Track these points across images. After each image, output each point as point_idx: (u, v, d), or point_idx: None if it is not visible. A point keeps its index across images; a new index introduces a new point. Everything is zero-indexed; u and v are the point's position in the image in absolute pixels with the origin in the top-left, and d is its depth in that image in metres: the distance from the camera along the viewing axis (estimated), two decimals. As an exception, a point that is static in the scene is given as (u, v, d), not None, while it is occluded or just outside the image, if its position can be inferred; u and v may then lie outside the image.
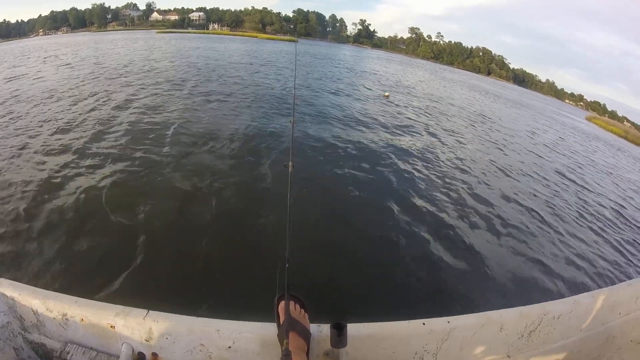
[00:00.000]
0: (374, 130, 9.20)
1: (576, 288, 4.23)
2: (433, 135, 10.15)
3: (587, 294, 1.73)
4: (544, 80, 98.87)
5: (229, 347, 1.20)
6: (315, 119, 9.14)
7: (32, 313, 1.20)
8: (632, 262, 5.39)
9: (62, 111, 7.87)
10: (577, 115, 46.45)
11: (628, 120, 73.44)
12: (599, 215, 7.07)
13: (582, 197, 8.03)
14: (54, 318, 1.20)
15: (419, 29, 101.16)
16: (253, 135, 7.23)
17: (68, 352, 1.19)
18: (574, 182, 9.12)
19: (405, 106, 14.02)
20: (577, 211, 6.94)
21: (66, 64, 16.35)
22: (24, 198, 4.14)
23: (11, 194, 4.19)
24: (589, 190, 8.78)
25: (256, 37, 70.05)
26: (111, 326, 1.19)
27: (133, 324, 1.19)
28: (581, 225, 6.28)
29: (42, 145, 5.76)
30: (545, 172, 9.29)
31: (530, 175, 8.53)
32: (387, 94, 16.34)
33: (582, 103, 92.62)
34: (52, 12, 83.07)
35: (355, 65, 32.88)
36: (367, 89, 17.56)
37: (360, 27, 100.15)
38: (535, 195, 7.10)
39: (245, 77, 15.01)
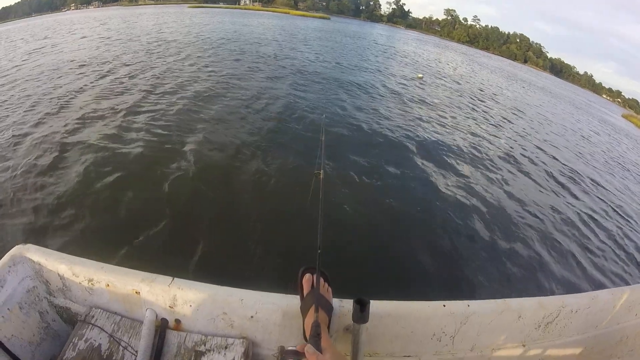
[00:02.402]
0: (405, 112, 8.95)
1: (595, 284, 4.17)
2: (466, 121, 9.81)
3: (606, 290, 1.71)
4: (581, 72, 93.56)
5: (252, 316, 1.21)
6: (346, 102, 8.86)
7: (59, 278, 1.22)
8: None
9: (102, 78, 7.94)
10: (614, 113, 44.03)
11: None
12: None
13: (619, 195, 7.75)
14: (80, 283, 1.22)
15: (454, 10, 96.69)
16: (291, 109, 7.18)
17: (92, 317, 1.22)
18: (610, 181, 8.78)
19: (438, 89, 13.59)
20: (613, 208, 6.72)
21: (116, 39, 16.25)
22: (50, 166, 4.16)
23: (36, 162, 4.21)
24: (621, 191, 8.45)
25: (288, 13, 68.72)
26: (136, 292, 1.21)
27: (158, 291, 1.20)
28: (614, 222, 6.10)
29: (76, 111, 5.82)
30: (585, 169, 8.94)
31: (568, 171, 8.22)
32: (420, 75, 15.80)
33: (619, 99, 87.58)
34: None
35: (388, 45, 31.74)
36: (401, 69, 17.00)
37: (394, 6, 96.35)
38: (574, 195, 6.86)
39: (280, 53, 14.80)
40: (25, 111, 5.79)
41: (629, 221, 6.36)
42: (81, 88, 7.10)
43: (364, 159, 5.48)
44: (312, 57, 15.41)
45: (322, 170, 1.33)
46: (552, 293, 3.72)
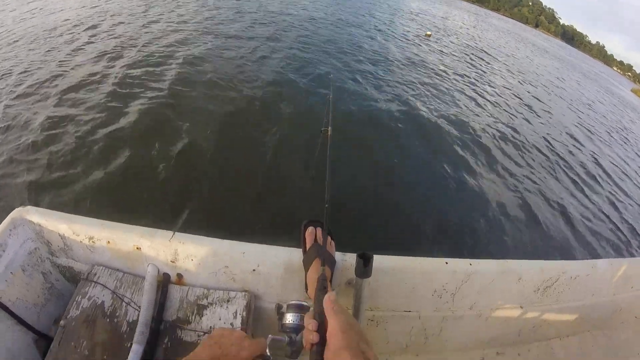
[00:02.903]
0: (413, 72, 8.69)
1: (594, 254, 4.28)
2: (474, 82, 9.59)
3: (605, 260, 1.72)
4: (593, 42, 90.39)
5: (253, 270, 1.21)
6: (354, 60, 8.48)
7: (59, 237, 1.21)
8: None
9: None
10: (622, 85, 43.15)
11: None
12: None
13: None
14: (81, 241, 1.21)
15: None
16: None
17: (95, 274, 1.21)
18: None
19: (447, 48, 13.18)
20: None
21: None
22: (52, 125, 3.96)
23: (35, 122, 4.01)
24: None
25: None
26: (137, 247, 1.20)
27: (159, 246, 1.19)
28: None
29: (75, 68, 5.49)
30: (592, 135, 8.94)
31: (575, 137, 8.24)
32: (429, 32, 15.21)
33: (629, 73, 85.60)
34: None
35: (395, 2, 30.27)
36: (409, 27, 16.26)
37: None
38: (581, 160, 6.91)
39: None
40: (19, 74, 5.49)
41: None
42: (76, 47, 6.73)
43: (371, 118, 5.39)
44: (314, 11, 14.52)
45: (330, 127, 1.29)
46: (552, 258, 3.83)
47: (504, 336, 1.64)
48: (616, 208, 5.78)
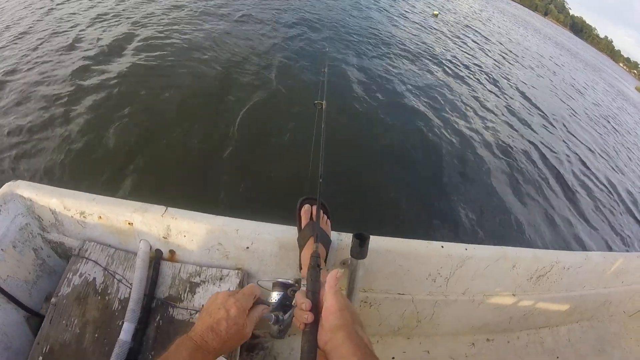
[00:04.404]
0: (416, 51, 8.53)
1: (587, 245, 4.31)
2: (477, 67, 9.48)
3: (599, 253, 1.73)
4: (602, 35, 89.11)
5: (247, 247, 1.20)
6: (353, 36, 8.22)
7: (50, 213, 1.18)
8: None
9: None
10: (628, 83, 42.83)
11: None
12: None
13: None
14: (72, 216, 1.18)
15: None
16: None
17: (86, 250, 1.19)
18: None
19: (455, 28, 13.00)
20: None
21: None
22: (36, 96, 3.81)
23: (23, 95, 3.84)
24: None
25: None
26: (129, 223, 1.18)
27: (151, 221, 1.16)
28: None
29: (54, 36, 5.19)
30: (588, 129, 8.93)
31: (572, 130, 8.22)
32: (436, 12, 14.89)
33: (635, 71, 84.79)
34: None
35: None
36: (416, 5, 15.82)
37: None
38: (576, 154, 6.89)
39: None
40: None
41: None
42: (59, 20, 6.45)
43: (367, 94, 5.29)
44: None
45: (324, 101, 1.26)
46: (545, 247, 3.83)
47: (494, 323, 1.65)
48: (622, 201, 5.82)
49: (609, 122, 11.54)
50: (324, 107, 1.23)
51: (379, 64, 6.62)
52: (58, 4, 6.36)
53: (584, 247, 4.15)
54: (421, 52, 8.29)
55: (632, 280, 1.87)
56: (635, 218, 5.71)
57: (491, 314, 1.59)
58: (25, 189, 1.16)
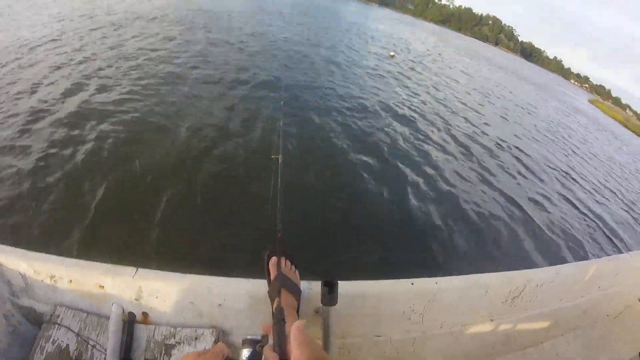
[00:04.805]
0: (373, 93, 8.96)
1: (558, 259, 4.45)
2: (436, 100, 10.03)
3: (570, 264, 1.78)
4: (551, 57, 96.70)
5: (220, 304, 1.19)
6: (311, 78, 8.73)
7: (20, 277, 1.15)
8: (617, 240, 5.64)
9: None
10: (580, 97, 46.17)
11: (631, 109, 72.95)
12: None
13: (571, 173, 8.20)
14: (42, 280, 1.16)
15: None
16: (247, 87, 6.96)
17: (58, 316, 1.16)
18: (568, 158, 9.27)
19: (410, 68, 13.68)
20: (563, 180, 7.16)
21: None
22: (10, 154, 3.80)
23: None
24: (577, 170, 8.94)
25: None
26: (100, 286, 1.16)
27: (122, 284, 1.16)
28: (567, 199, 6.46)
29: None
30: (538, 148, 9.35)
31: (522, 150, 8.57)
32: (392, 54, 15.73)
33: (587, 85, 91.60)
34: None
35: (361, 22, 31.45)
36: (373, 47, 16.98)
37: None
38: (528, 170, 7.20)
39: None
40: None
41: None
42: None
43: (324, 142, 5.44)
44: (278, 32, 14.75)
45: (280, 155, 1.31)
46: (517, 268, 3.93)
47: (477, 351, 1.65)
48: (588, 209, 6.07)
49: (558, 136, 12.26)
50: (280, 160, 1.28)
51: (336, 111, 6.83)
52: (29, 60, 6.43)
53: (553, 262, 4.27)
54: (377, 96, 8.61)
55: (608, 284, 1.91)
56: (599, 226, 5.98)
57: (472, 342, 1.59)
58: None
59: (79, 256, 1.22)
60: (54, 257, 1.18)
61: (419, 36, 35.47)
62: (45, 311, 1.18)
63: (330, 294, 1.06)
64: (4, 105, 4.83)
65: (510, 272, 1.56)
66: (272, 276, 1.12)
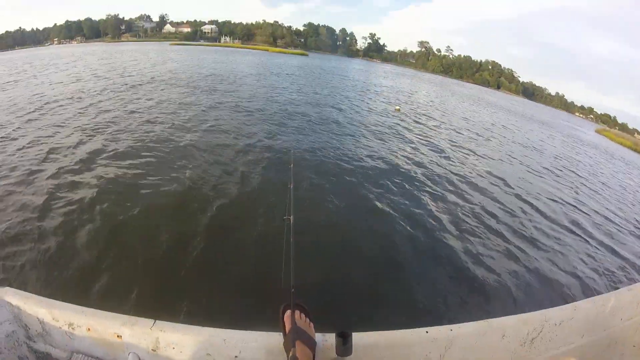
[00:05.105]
0: (383, 145, 9.25)
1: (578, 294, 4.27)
2: (442, 149, 10.17)
3: (587, 300, 1.74)
4: (553, 93, 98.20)
5: (235, 356, 1.21)
6: (319, 141, 8.91)
7: (38, 322, 1.19)
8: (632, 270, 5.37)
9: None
10: (586, 128, 46.03)
11: (639, 132, 72.04)
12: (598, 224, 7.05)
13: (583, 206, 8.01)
14: (60, 327, 1.19)
15: (428, 42, 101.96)
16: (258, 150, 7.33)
17: None
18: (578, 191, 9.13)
19: (414, 121, 14.05)
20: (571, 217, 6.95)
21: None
22: (25, 207, 4.25)
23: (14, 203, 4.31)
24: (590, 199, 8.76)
25: (267, 50, 70.56)
26: (117, 336, 1.19)
27: (139, 334, 1.19)
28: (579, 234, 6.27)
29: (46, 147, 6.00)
30: (553, 184, 9.26)
31: (537, 188, 8.50)
32: (398, 107, 16.19)
33: (592, 116, 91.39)
34: (67, 21, 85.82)
35: (366, 79, 33.12)
36: (378, 102, 17.65)
37: (370, 40, 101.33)
38: (540, 209, 7.05)
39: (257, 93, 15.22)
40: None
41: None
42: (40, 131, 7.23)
43: (335, 198, 5.50)
44: (290, 94, 15.78)
45: (291, 216, 1.39)
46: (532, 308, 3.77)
47: None
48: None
49: (565, 169, 12.06)
50: (291, 220, 1.37)
51: (345, 169, 6.99)
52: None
53: (569, 300, 4.08)
54: (383, 151, 8.73)
55: (630, 314, 1.84)
56: (614, 254, 5.73)
57: None
58: (13, 297, 1.18)
59: (97, 306, 1.27)
60: (73, 305, 1.22)
61: (422, 87, 36.79)
62: (61, 357, 1.21)
63: (344, 345, 1.08)
64: (26, 154, 5.65)
65: (526, 313, 1.54)
66: (287, 329, 1.16)
